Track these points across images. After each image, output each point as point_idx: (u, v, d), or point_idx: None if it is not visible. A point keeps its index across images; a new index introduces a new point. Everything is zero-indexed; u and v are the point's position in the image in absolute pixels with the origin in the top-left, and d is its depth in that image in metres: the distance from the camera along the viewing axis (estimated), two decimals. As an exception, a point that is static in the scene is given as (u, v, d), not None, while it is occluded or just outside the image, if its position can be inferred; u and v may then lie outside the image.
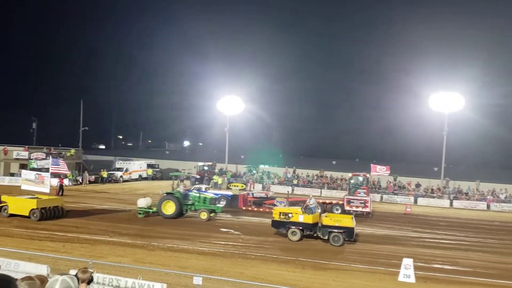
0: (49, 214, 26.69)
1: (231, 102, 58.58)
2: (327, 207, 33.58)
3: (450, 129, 51.09)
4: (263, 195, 38.65)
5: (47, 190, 27.15)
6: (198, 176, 52.86)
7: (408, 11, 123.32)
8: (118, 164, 59.58)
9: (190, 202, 29.58)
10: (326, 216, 23.65)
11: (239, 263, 18.24)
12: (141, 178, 56.64)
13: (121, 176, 54.45)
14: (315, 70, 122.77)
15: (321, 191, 50.20)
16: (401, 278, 16.46)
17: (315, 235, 23.31)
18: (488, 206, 45.21)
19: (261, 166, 58.30)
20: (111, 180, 53.07)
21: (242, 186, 50.49)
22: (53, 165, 28.94)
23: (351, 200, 34.66)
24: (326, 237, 22.76)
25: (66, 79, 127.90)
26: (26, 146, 54.12)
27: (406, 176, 52.35)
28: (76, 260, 14.57)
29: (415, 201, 46.47)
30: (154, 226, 25.84)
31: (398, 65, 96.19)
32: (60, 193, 39.30)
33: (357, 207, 34.23)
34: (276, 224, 24.16)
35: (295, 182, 52.31)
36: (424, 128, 67.42)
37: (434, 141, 58.84)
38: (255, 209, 34.84)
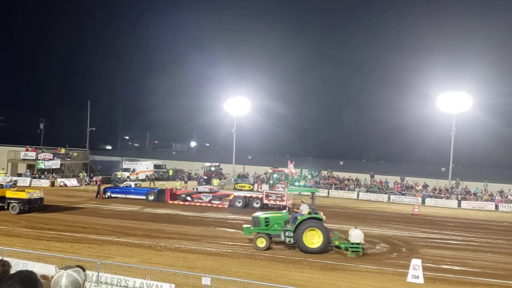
0: None
1: (238, 103, 58.56)
2: (248, 201, 36.42)
3: (458, 129, 50.80)
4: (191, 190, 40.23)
5: None
6: (205, 177, 52.91)
7: (416, 11, 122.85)
8: (125, 165, 59.79)
9: None
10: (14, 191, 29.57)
11: (247, 263, 18.19)
12: (148, 179, 56.63)
13: (128, 177, 54.46)
14: (322, 70, 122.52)
15: (328, 192, 50.08)
16: (409, 279, 16.36)
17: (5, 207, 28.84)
18: (497, 207, 44.89)
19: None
20: (117, 180, 53.16)
21: (249, 187, 50.40)
22: None
23: (269, 194, 35.97)
24: (6, 208, 28.51)
25: (73, 80, 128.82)
26: (33, 147, 54.44)
27: (414, 177, 52.16)
28: (84, 260, 14.57)
29: (423, 202, 46.24)
30: (161, 227, 25.87)
31: (406, 65, 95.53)
32: (97, 195, 38.94)
33: (274, 200, 35.61)
34: None
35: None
36: (432, 128, 67.02)
37: (442, 141, 58.45)
38: (181, 203, 36.79)
